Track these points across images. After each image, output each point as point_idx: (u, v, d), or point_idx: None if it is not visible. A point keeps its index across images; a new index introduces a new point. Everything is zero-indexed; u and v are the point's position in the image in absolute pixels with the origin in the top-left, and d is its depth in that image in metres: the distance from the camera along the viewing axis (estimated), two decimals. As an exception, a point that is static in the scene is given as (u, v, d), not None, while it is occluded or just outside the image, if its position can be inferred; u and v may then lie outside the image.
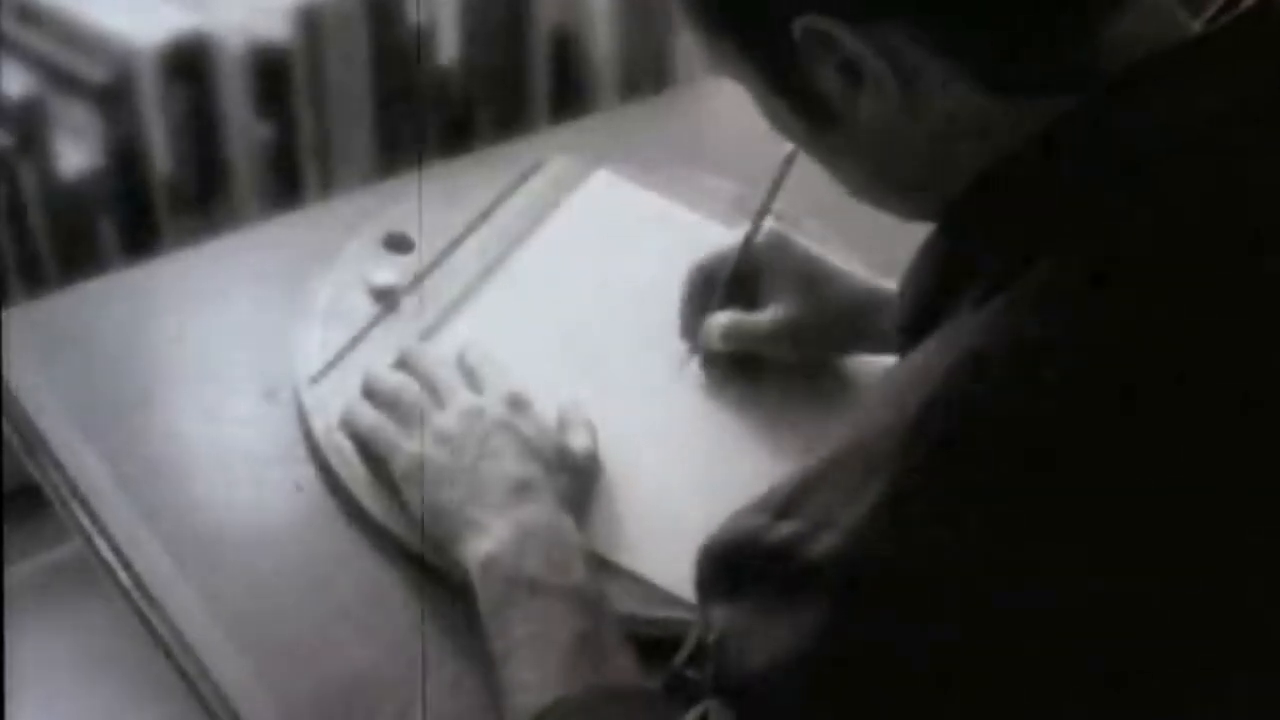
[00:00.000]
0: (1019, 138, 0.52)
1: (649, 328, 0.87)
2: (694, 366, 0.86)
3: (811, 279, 0.83)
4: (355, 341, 0.86)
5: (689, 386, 0.85)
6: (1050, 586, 0.47)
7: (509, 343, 0.84)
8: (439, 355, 0.83)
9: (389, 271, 0.89)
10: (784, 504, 0.50)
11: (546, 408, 0.79)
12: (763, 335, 0.84)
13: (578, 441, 0.78)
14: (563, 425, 0.79)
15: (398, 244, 0.92)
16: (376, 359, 0.83)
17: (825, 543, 0.48)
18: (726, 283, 0.84)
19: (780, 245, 0.84)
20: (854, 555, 0.48)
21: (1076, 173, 0.52)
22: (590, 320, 0.88)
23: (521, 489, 0.73)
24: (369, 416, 0.79)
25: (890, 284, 0.82)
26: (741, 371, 0.86)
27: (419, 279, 0.89)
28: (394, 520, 0.76)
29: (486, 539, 0.71)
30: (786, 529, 0.49)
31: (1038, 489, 0.48)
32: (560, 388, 0.82)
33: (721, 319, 0.84)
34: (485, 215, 0.94)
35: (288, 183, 1.25)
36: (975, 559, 0.47)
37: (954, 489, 0.48)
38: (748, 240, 0.84)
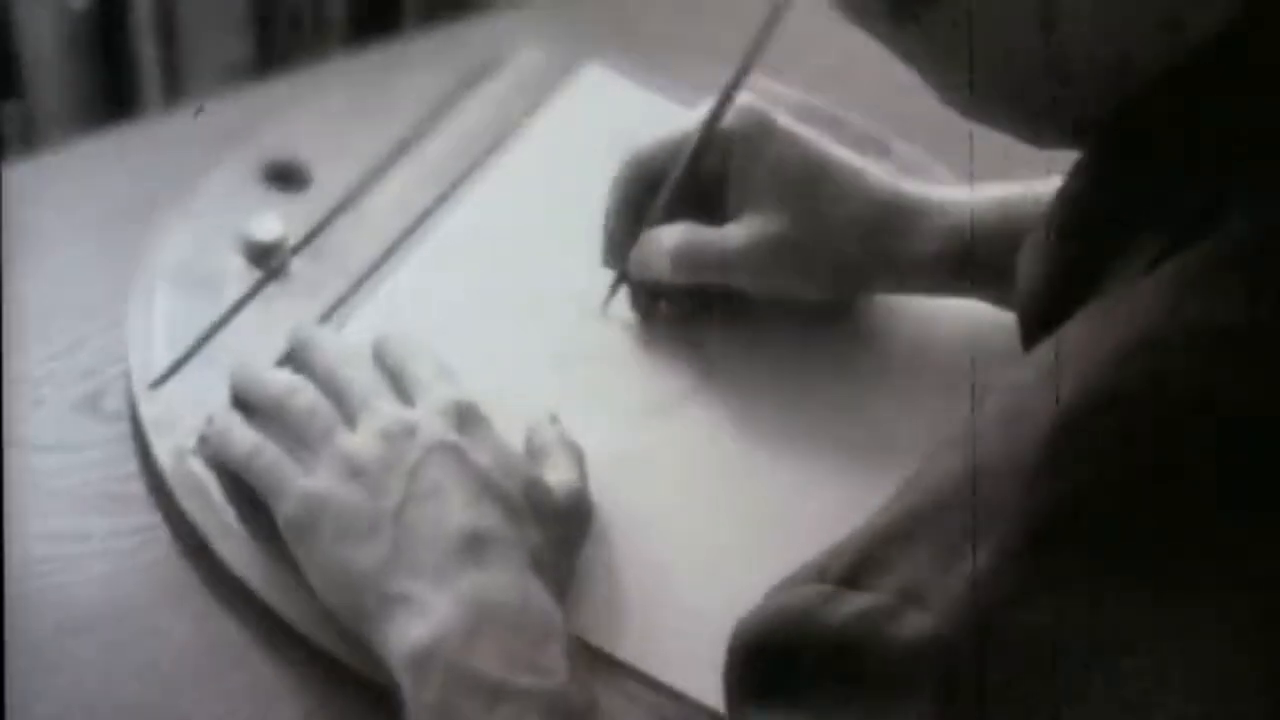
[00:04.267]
0: (1210, 19, 0.51)
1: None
2: (619, 304, 0.84)
3: (805, 178, 0.80)
4: (222, 323, 0.83)
5: (705, 393, 0.83)
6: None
7: (453, 327, 0.83)
8: (348, 345, 0.80)
9: (272, 218, 0.86)
10: (852, 568, 0.50)
11: (510, 424, 0.76)
12: (734, 260, 0.81)
13: (557, 475, 0.75)
14: (535, 451, 0.77)
15: (285, 176, 0.89)
16: (253, 349, 0.81)
17: (916, 623, 0.48)
18: (677, 183, 0.81)
19: (759, 129, 0.81)
20: (959, 638, 0.47)
21: None
22: (576, 290, 0.86)
23: (473, 546, 0.70)
24: (243, 438, 0.76)
25: (929, 188, 0.81)
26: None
27: (317, 230, 0.87)
28: (279, 594, 0.74)
29: (421, 622, 0.68)
30: (858, 603, 0.49)
31: (1235, 536, 0.46)
32: (532, 393, 0.80)
33: (670, 236, 0.82)
34: (418, 134, 0.93)
35: (118, 84, 1.25)
36: (1145, 640, 0.46)
37: (1111, 537, 0.47)
38: (710, 122, 0.80)
